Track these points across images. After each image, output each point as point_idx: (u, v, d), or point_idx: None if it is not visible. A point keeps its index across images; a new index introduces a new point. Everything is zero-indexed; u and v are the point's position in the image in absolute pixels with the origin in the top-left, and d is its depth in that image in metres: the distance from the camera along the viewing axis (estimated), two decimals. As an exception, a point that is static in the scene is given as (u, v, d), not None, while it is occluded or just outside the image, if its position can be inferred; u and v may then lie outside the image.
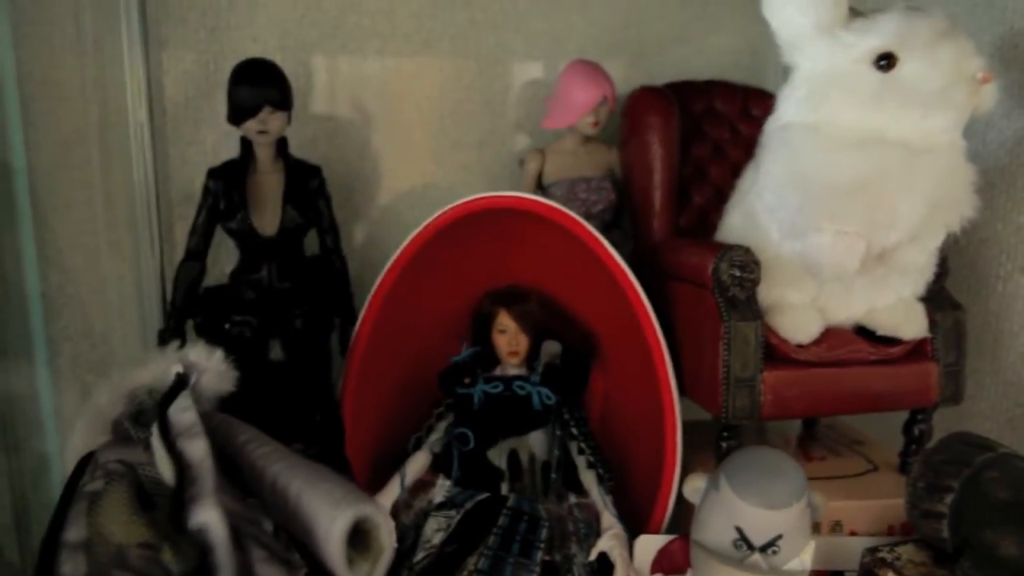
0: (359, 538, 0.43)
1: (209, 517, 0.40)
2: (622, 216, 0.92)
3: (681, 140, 0.87)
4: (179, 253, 0.82)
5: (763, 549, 0.57)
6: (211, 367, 0.58)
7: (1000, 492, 0.57)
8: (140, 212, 0.89)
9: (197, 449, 0.45)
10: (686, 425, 0.73)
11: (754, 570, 0.56)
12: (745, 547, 0.57)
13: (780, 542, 0.56)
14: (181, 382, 0.55)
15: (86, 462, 0.54)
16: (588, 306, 0.85)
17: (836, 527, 0.72)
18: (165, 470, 0.46)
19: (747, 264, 0.66)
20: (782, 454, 0.60)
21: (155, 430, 0.50)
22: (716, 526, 0.58)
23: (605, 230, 0.89)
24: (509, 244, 0.82)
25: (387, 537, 0.42)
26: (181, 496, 0.44)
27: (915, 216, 0.61)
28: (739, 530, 0.57)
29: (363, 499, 0.42)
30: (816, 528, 0.73)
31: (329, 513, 0.41)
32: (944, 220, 0.65)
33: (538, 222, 0.75)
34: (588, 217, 0.86)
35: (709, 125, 0.90)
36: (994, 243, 0.86)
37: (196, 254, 0.81)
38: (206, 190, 0.80)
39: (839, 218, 0.61)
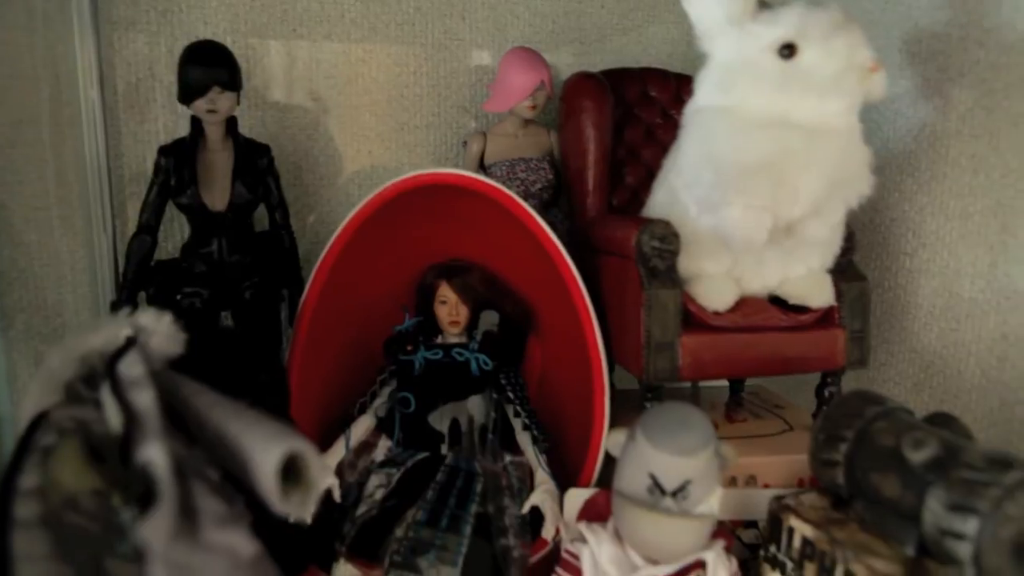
0: (293, 474, 0.46)
1: (152, 453, 0.44)
2: (560, 196, 0.97)
3: (615, 124, 0.92)
4: (131, 228, 0.85)
5: (674, 494, 0.62)
6: (160, 330, 0.61)
7: (885, 440, 0.63)
8: (92, 189, 0.91)
9: (144, 399, 0.49)
10: (619, 393, 0.78)
11: (665, 512, 0.61)
12: (658, 492, 0.62)
13: (689, 487, 0.61)
14: (130, 342, 0.57)
15: (39, 421, 0.58)
16: (527, 280, 0.89)
17: (751, 481, 0.79)
18: (113, 418, 0.49)
19: (666, 236, 0.72)
20: (693, 408, 0.65)
21: (105, 384, 0.53)
22: (632, 474, 0.63)
23: (544, 209, 0.94)
24: (452, 221, 0.86)
25: (317, 472, 0.46)
26: (128, 443, 0.48)
27: (815, 192, 0.67)
28: (652, 476, 0.62)
29: (296, 437, 0.46)
30: (733, 482, 0.79)
31: (263, 448, 0.45)
32: (843, 196, 0.71)
33: (479, 200, 0.80)
34: (527, 196, 0.92)
35: (642, 110, 0.95)
36: (902, 222, 0.93)
37: (147, 228, 0.84)
38: (157, 167, 0.83)
39: (747, 194, 0.67)
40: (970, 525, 0.55)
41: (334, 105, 1.01)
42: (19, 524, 0.44)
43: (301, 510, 0.46)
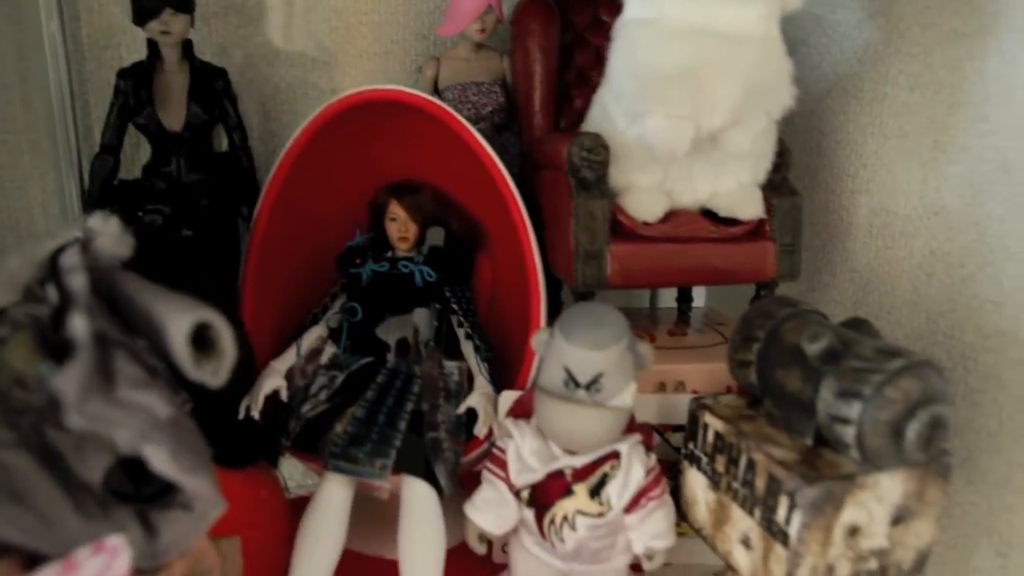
0: (207, 346, 0.50)
1: (75, 321, 0.48)
2: (513, 119, 1.00)
3: (565, 47, 0.94)
4: (97, 151, 0.89)
5: (588, 387, 0.65)
6: (107, 231, 0.64)
7: (791, 338, 0.66)
8: (58, 113, 0.94)
9: (76, 282, 0.53)
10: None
11: (579, 402, 0.65)
12: (572, 385, 0.66)
13: (602, 380, 0.65)
14: (75, 239, 0.61)
15: (-3, 317, 0.62)
16: (478, 201, 0.92)
17: (680, 387, 0.82)
18: (51, 296, 0.53)
19: (595, 147, 0.74)
20: (607, 306, 0.68)
21: (46, 273, 0.57)
22: (551, 370, 0.67)
23: (496, 132, 0.97)
24: (405, 140, 0.89)
25: (228, 341, 0.49)
26: (61, 319, 0.52)
27: (734, 100, 0.69)
28: (567, 369, 0.65)
29: (208, 308, 0.49)
30: (663, 387, 0.83)
31: (174, 316, 0.48)
32: (763, 106, 0.73)
33: (429, 121, 0.82)
34: (478, 119, 0.94)
35: (593, 34, 0.96)
36: (846, 144, 0.95)
37: (109, 149, 0.88)
38: (117, 89, 0.87)
39: (667, 103, 0.69)
40: (854, 409, 0.58)
41: (294, 32, 1.03)
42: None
43: (214, 378, 0.50)
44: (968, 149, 0.78)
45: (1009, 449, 0.75)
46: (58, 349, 0.51)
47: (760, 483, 0.64)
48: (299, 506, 0.77)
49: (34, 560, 0.44)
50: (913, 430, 0.57)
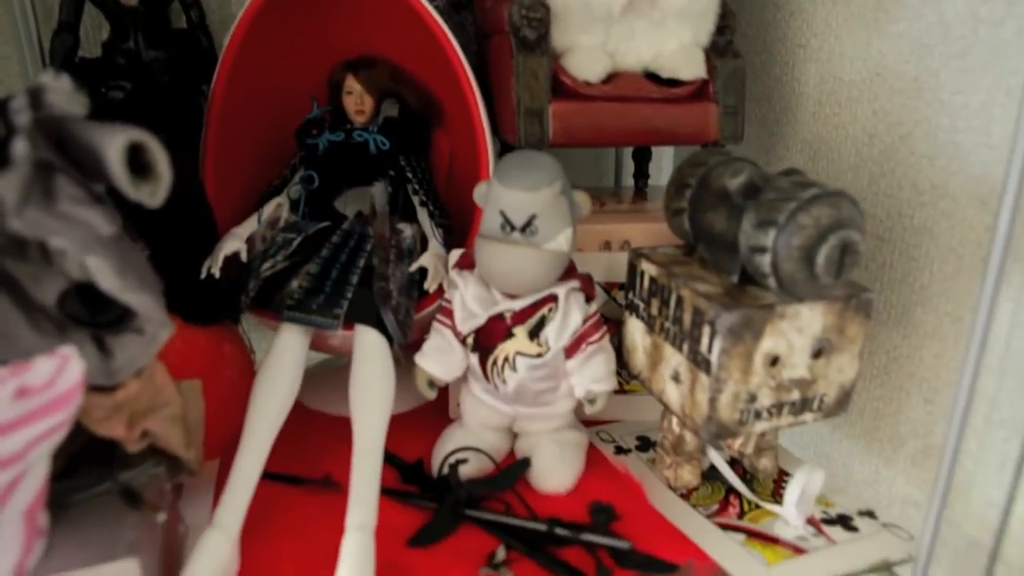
0: (144, 171, 0.53)
1: (16, 144, 0.51)
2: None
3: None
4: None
5: (523, 229, 0.68)
6: (58, 87, 0.66)
7: (719, 182, 0.69)
8: (17, -3, 0.96)
9: (21, 118, 0.55)
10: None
11: (514, 243, 0.68)
12: (508, 228, 0.69)
13: (536, 222, 0.68)
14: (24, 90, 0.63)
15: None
16: (433, 75, 0.94)
17: (625, 246, 0.85)
18: (-1, 132, 0.56)
19: (534, 6, 0.76)
20: (542, 153, 0.71)
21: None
22: (489, 216, 0.70)
23: (454, 9, 0.98)
24: (363, 17, 0.90)
25: (163, 163, 0.52)
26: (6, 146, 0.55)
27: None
28: (503, 213, 0.69)
29: (141, 130, 0.52)
30: (608, 246, 0.86)
31: (109, 138, 0.51)
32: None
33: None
34: (436, -6, 0.95)
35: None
36: (798, 14, 0.95)
37: (67, 26, 0.89)
38: None
39: (601, -46, 0.71)
40: (769, 237, 0.61)
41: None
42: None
43: (151, 199, 0.53)
44: (908, 5, 0.79)
45: (938, 300, 0.78)
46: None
47: (687, 318, 0.67)
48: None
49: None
50: (823, 254, 0.60)
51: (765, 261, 0.62)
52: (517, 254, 0.68)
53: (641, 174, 1.04)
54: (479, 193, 0.72)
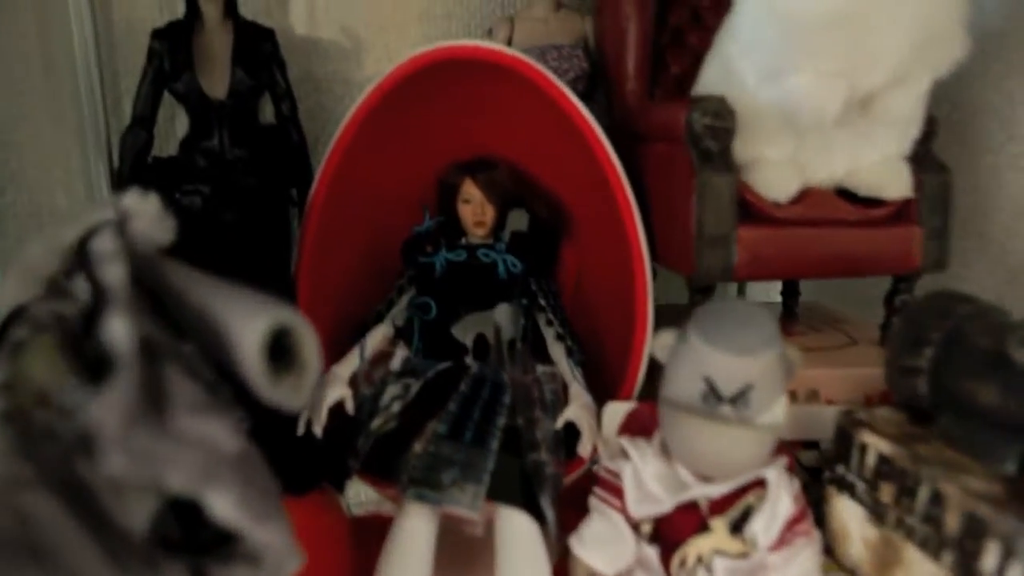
0: (284, 356, 0.39)
1: (114, 323, 0.37)
2: (596, 89, 0.88)
3: (657, 5, 0.82)
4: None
5: (733, 400, 0.53)
6: (145, 212, 0.53)
7: (981, 341, 0.54)
8: (84, 83, 0.84)
9: (113, 272, 0.42)
10: (659, 309, 0.70)
11: (723, 420, 0.53)
12: (714, 399, 0.54)
13: (750, 393, 0.53)
14: (108, 221, 0.50)
15: (15, 315, 0.51)
16: (560, 177, 0.80)
17: (813, 396, 0.70)
18: (81, 294, 0.42)
19: (721, 112, 0.62)
20: (753, 304, 0.57)
21: (74, 262, 0.46)
22: (684, 379, 0.55)
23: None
24: (477, 111, 0.77)
25: (311, 350, 0.38)
26: (94, 320, 0.41)
27: (898, 54, 0.57)
28: (707, 380, 0.54)
29: (284, 308, 0.38)
30: (793, 397, 0.71)
31: (245, 321, 0.37)
32: (930, 61, 0.60)
33: (506, 85, 0.71)
34: (560, 87, 0.82)
35: (687, -10, 0.84)
36: (985, 112, 0.82)
37: (142, 121, 0.77)
38: (151, 52, 0.76)
39: (818, 56, 0.57)
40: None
41: (347, -8, 0.92)
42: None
43: (294, 397, 0.39)
44: None
45: None
46: (92, 361, 0.40)
47: (952, 521, 0.52)
48: (367, 526, 0.68)
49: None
50: None
51: (1079, 462, 0.47)
52: (729, 436, 0.53)
53: (792, 291, 0.89)
54: (662, 346, 0.58)
